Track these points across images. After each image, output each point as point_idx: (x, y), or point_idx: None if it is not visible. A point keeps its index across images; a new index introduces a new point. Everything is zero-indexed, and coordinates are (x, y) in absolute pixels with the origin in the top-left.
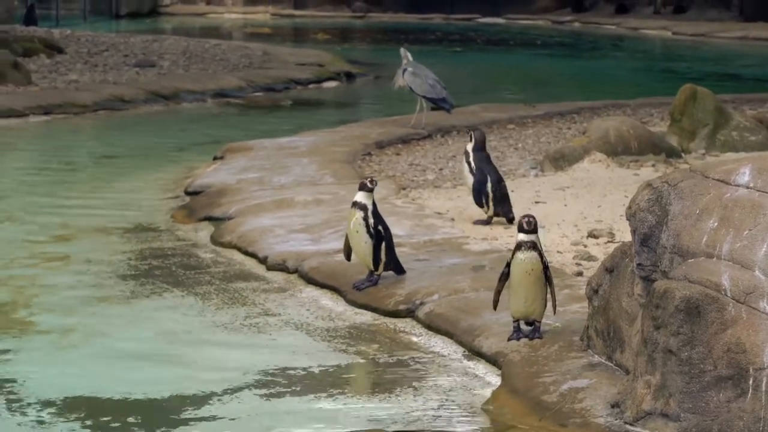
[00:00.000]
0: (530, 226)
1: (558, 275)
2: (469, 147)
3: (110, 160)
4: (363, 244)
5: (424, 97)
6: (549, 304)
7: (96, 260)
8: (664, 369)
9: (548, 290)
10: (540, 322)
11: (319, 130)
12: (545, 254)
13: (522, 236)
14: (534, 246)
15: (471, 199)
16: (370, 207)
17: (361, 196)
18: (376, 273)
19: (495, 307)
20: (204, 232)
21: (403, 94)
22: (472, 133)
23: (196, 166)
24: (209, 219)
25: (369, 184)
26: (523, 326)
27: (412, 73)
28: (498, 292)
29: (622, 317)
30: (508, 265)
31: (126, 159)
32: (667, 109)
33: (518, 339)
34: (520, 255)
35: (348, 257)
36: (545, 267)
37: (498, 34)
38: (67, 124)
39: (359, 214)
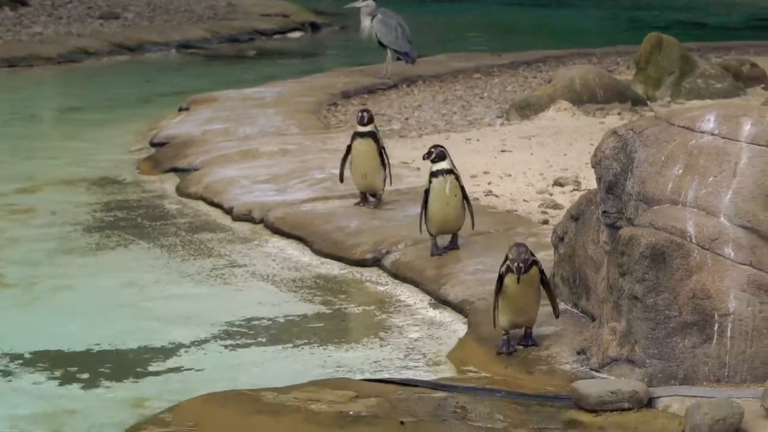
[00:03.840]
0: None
1: (524, 223)
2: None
3: (75, 113)
4: (459, 208)
5: (388, 47)
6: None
7: (61, 212)
8: (629, 315)
9: (548, 296)
10: (532, 328)
11: (285, 81)
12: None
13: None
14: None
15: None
16: (456, 170)
17: (446, 164)
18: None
19: (495, 325)
20: (169, 184)
21: (369, 43)
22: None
23: (161, 117)
24: (175, 170)
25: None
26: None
27: (381, 20)
28: (496, 308)
29: (588, 264)
30: (501, 277)
31: (91, 111)
32: (633, 57)
33: (509, 352)
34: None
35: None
36: (542, 273)
37: None
38: (32, 77)
39: (450, 178)
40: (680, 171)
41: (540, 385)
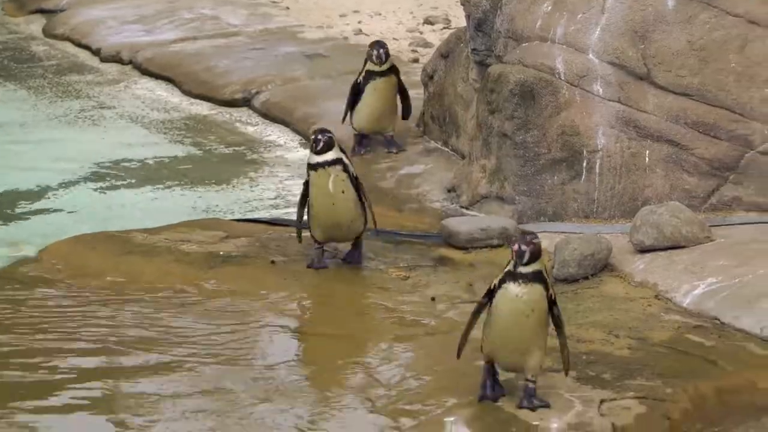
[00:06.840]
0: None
1: (394, 62)
2: None
3: None
4: (352, 208)
5: None
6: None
7: None
8: (499, 153)
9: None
10: (535, 379)
11: None
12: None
13: (522, 269)
14: (539, 276)
15: None
16: (346, 159)
17: (332, 154)
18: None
19: (459, 356)
20: (36, 25)
21: None
22: None
23: None
24: (41, 11)
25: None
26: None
27: None
28: (467, 334)
29: (458, 102)
30: (491, 293)
31: None
32: None
33: (495, 398)
34: (515, 289)
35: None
36: (552, 303)
37: None
38: None
39: (336, 170)
40: (549, 8)
41: (410, 223)
